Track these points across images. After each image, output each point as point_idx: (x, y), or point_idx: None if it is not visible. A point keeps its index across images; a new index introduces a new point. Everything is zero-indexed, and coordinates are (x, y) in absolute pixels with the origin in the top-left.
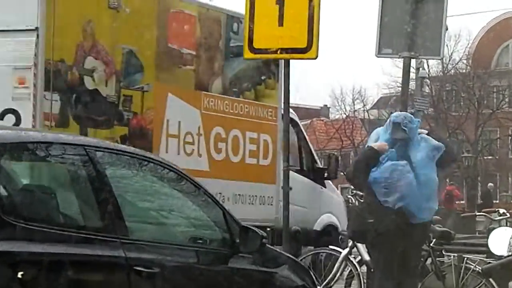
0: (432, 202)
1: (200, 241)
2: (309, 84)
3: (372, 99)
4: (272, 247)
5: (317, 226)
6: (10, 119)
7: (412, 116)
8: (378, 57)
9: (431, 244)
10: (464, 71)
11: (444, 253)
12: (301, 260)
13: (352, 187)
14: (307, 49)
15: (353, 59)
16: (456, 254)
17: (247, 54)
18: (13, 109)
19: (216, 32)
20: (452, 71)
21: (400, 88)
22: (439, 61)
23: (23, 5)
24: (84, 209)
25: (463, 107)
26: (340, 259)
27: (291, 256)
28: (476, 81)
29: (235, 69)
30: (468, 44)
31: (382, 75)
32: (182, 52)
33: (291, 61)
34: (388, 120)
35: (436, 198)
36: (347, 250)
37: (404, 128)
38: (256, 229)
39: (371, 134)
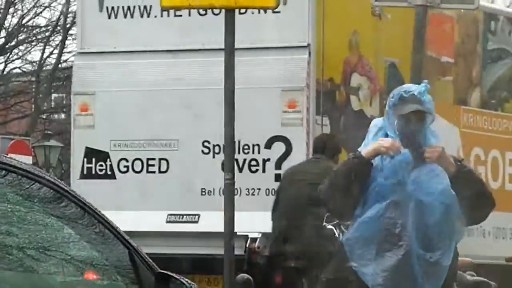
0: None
1: None
2: None
3: None
4: None
5: None
6: (278, 147)
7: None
8: (376, 5)
9: None
10: None
11: None
12: None
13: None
14: None
15: None
16: None
17: (166, 0)
18: (283, 136)
19: (473, 35)
20: None
21: None
22: None
23: (292, 20)
24: None
25: None
26: None
27: None
28: None
29: (493, 77)
30: None
31: None
32: (441, 60)
33: None
34: (390, 99)
35: (460, 229)
36: None
37: (418, 96)
38: (181, 277)
39: (369, 128)
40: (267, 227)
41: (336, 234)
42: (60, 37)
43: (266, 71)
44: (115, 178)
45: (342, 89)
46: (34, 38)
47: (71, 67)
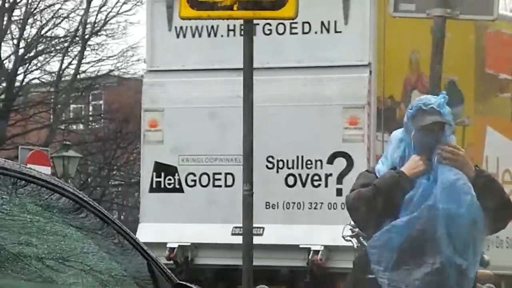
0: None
1: None
2: None
3: None
4: None
5: None
6: (340, 162)
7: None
8: (394, 16)
9: None
10: None
11: None
12: None
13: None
14: (280, 2)
15: None
16: None
17: (185, 11)
18: (344, 152)
19: None
20: None
21: None
22: None
23: (353, 39)
24: None
25: None
26: None
27: None
28: None
29: None
30: None
31: None
32: (499, 78)
33: None
34: (409, 110)
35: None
36: None
37: (437, 109)
38: None
39: (390, 139)
40: (329, 240)
41: (355, 246)
42: (79, 48)
43: (329, 89)
44: (183, 191)
45: (402, 106)
46: (53, 48)
47: (90, 77)
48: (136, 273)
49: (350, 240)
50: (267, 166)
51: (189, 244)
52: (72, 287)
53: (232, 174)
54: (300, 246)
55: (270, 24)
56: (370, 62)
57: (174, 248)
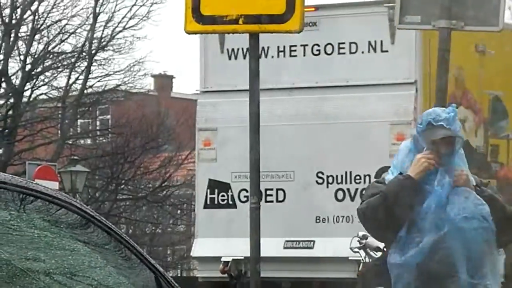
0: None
1: None
2: None
3: None
4: None
5: None
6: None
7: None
8: (399, 28)
9: None
10: None
11: None
12: None
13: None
14: (285, 16)
15: None
16: None
17: (190, 25)
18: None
19: None
20: None
21: None
22: None
23: (399, 58)
24: None
25: None
26: None
27: None
28: None
29: None
30: None
31: None
32: None
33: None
34: (419, 125)
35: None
36: None
37: (447, 126)
38: None
39: (400, 148)
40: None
41: (362, 258)
42: (85, 63)
43: (376, 107)
44: (236, 207)
45: None
46: (59, 64)
47: (97, 92)
48: (144, 287)
49: (358, 252)
50: (317, 181)
51: (242, 258)
52: None
53: (283, 190)
54: (350, 258)
55: (318, 45)
56: (416, 80)
57: (228, 262)
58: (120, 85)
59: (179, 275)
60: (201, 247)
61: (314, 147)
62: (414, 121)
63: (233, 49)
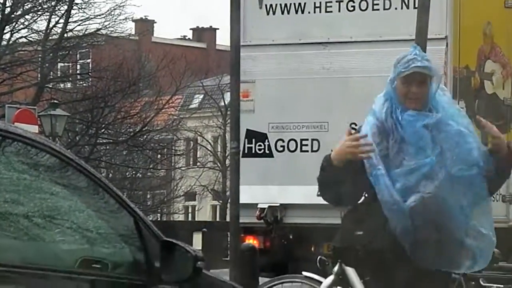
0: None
1: (98, 266)
2: None
3: None
4: (210, 273)
5: None
6: None
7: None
8: None
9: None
10: None
11: (482, 283)
12: None
13: None
14: None
15: None
16: (502, 286)
17: None
18: None
19: None
20: None
21: None
22: None
23: (431, 14)
24: None
25: None
26: None
27: None
28: None
29: None
30: None
31: None
32: None
33: None
34: (393, 67)
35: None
36: (330, 278)
37: (419, 63)
38: (186, 245)
39: (375, 100)
40: None
41: None
42: (66, 6)
43: None
44: (272, 156)
45: (476, 75)
46: (40, 7)
47: (77, 36)
48: (123, 230)
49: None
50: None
51: (278, 204)
52: (59, 244)
53: (317, 140)
54: None
55: (353, 1)
56: (446, 35)
57: (264, 208)
58: (100, 29)
59: (159, 219)
60: (239, 194)
61: (347, 99)
62: (444, 75)
63: (271, 5)
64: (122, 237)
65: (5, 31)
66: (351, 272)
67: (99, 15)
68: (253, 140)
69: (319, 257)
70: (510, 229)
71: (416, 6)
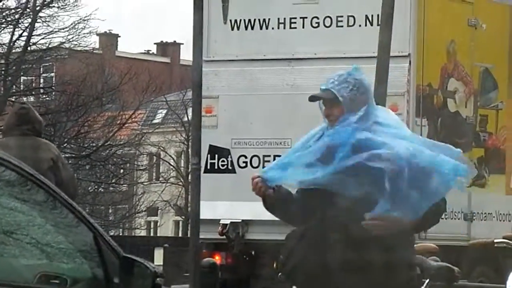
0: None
1: (57, 282)
2: None
3: None
4: None
5: None
6: None
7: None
8: None
9: None
10: None
11: None
12: None
13: None
14: None
15: None
16: None
17: None
18: None
19: None
20: None
21: None
22: None
23: (394, 32)
24: None
25: None
26: None
27: None
28: None
29: None
30: None
31: None
32: None
33: None
34: None
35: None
36: None
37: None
38: (146, 262)
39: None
40: None
41: None
42: (29, 19)
43: (371, 78)
44: (235, 172)
45: (439, 93)
46: (3, 20)
47: (41, 50)
48: (82, 246)
49: None
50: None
51: (240, 220)
52: (17, 259)
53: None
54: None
55: (318, 18)
56: (410, 53)
57: (227, 224)
58: (64, 42)
59: (120, 234)
60: (201, 210)
61: (311, 116)
62: (407, 93)
63: (235, 20)
64: (81, 252)
65: None
66: None
67: (63, 29)
68: (216, 155)
69: (280, 274)
70: (470, 247)
71: (379, 23)
